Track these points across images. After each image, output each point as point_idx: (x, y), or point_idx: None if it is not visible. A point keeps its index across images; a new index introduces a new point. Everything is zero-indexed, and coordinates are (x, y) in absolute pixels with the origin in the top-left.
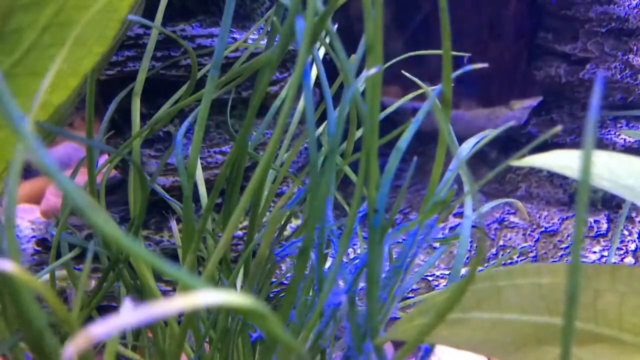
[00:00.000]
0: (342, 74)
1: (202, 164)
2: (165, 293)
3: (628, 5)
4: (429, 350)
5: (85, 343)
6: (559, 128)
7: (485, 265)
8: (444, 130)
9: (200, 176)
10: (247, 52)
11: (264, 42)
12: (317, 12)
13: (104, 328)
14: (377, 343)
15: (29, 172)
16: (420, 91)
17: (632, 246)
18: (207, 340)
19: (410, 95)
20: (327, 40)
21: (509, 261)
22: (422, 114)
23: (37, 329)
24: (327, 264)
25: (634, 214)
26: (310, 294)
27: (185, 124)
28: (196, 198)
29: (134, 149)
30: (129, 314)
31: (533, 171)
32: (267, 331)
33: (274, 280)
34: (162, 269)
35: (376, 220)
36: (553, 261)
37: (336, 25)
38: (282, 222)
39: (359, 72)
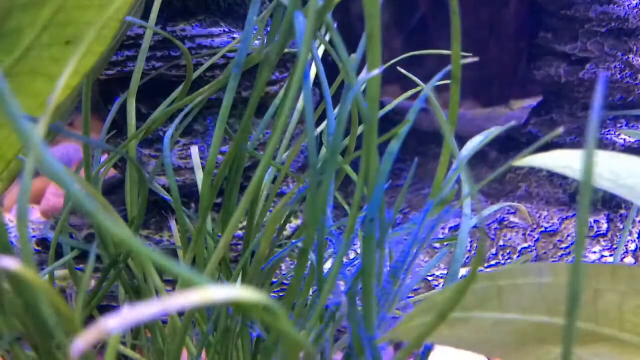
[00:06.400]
0: (342, 73)
1: (202, 164)
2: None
3: (628, 5)
4: (429, 349)
5: (97, 337)
6: (560, 130)
7: (486, 265)
8: (447, 131)
9: (200, 176)
10: (240, 53)
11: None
12: (317, 10)
13: (117, 322)
14: (378, 343)
15: None
16: (418, 89)
17: (632, 246)
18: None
19: (409, 93)
20: (327, 39)
21: (509, 262)
22: (414, 113)
23: (48, 328)
24: (328, 265)
25: (633, 214)
26: (310, 294)
27: (174, 125)
28: (197, 198)
29: (131, 149)
30: (141, 309)
31: (533, 171)
32: (278, 329)
33: (274, 280)
34: (174, 270)
35: (370, 229)
36: (553, 261)
37: (336, 24)
38: (282, 222)
39: (359, 70)
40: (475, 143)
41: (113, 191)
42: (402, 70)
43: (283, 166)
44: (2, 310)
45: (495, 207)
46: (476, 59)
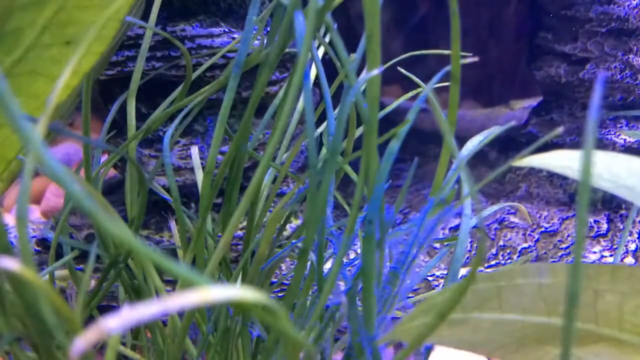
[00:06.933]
0: (342, 73)
1: (202, 164)
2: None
3: (628, 5)
4: (429, 348)
5: (98, 337)
6: (560, 130)
7: (486, 265)
8: (446, 131)
9: (200, 176)
10: (240, 53)
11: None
12: (317, 9)
13: (117, 322)
14: (378, 344)
15: None
16: (418, 90)
17: (632, 246)
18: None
19: (409, 94)
20: (327, 40)
21: (509, 262)
22: (414, 113)
23: (48, 329)
24: (328, 265)
25: (633, 214)
26: (310, 294)
27: (173, 125)
28: (197, 198)
29: (131, 149)
30: (140, 309)
31: (533, 171)
32: (277, 329)
33: (274, 280)
34: (173, 270)
35: (370, 229)
36: (553, 261)
37: (336, 25)
38: (282, 222)
39: (359, 70)
40: (474, 143)
41: (113, 191)
42: (403, 70)
43: (283, 166)
44: (2, 310)
45: (495, 207)
46: (476, 59)
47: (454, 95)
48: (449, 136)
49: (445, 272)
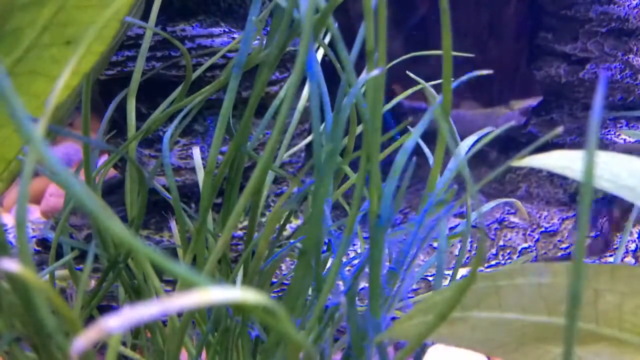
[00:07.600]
0: (338, 69)
1: (202, 164)
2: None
3: (628, 5)
4: (425, 345)
5: (98, 336)
6: (560, 129)
7: (486, 265)
8: (444, 131)
9: (200, 176)
10: (240, 52)
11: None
12: (318, 9)
13: (117, 322)
14: (377, 341)
15: None
16: (418, 87)
17: (632, 246)
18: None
19: (408, 92)
20: (326, 41)
21: (509, 262)
22: (429, 115)
23: (47, 329)
24: (327, 265)
25: (634, 214)
26: (310, 294)
27: (173, 125)
28: (197, 198)
29: (131, 149)
30: (140, 309)
31: (533, 171)
32: (278, 330)
33: (274, 280)
34: (173, 270)
35: (381, 221)
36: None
37: (336, 24)
38: (282, 222)
39: (359, 71)
40: (469, 142)
41: (113, 191)
42: (409, 73)
43: (279, 168)
44: (2, 310)
45: (492, 203)
46: (472, 55)
47: (447, 94)
48: (447, 135)
49: (445, 272)
